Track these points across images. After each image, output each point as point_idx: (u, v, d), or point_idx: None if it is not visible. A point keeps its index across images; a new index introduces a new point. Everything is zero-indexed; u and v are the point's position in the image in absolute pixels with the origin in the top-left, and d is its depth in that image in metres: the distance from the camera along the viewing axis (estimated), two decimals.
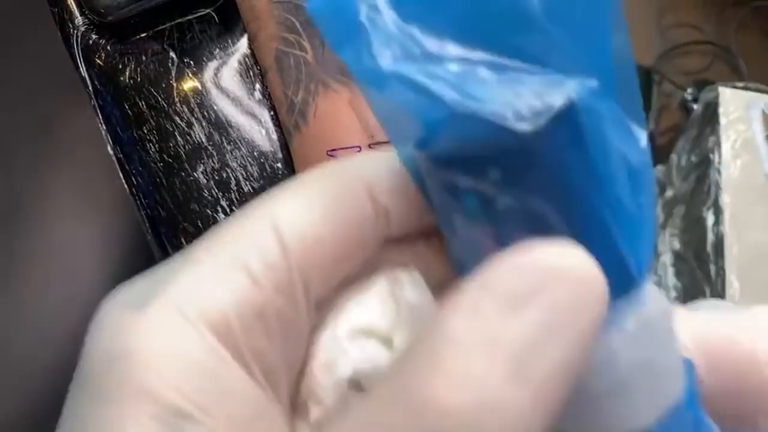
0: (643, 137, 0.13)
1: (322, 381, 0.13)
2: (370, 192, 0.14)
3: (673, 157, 0.84)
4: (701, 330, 0.17)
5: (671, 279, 0.77)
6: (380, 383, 0.11)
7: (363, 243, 0.14)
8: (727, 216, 0.68)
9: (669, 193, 0.83)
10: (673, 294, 0.76)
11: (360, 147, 0.41)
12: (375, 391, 0.11)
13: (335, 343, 0.13)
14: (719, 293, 0.65)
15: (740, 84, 0.78)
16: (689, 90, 1.43)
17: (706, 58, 1.52)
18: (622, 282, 0.12)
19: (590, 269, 0.11)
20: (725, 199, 0.69)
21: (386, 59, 0.12)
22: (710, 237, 0.69)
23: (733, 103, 0.74)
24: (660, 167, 0.87)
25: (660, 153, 0.95)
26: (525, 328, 0.10)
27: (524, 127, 0.11)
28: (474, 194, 0.12)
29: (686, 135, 0.82)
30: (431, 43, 0.12)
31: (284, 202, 0.13)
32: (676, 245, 0.78)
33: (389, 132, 0.13)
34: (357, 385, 0.13)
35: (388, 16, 0.12)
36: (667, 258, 0.79)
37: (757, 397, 0.17)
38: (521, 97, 0.11)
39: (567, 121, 0.11)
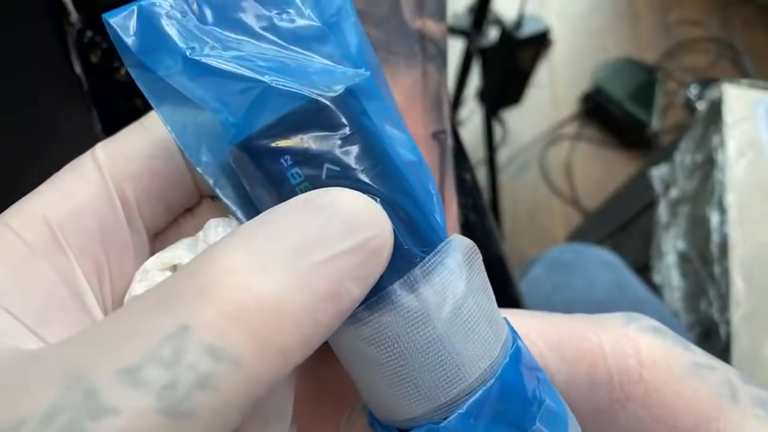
0: (411, 139, 0.16)
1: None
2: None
3: (677, 156, 0.83)
4: (550, 327, 0.18)
5: (675, 279, 0.77)
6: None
7: (181, 174, 0.16)
8: (732, 216, 0.67)
9: (673, 192, 0.82)
10: (677, 294, 0.75)
11: None
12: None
13: (142, 272, 0.15)
14: (724, 294, 0.64)
15: (745, 81, 0.77)
16: (693, 88, 1.43)
17: (710, 56, 1.51)
18: (433, 231, 0.14)
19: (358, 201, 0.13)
20: (730, 199, 0.68)
21: (193, 51, 0.14)
22: (715, 237, 0.68)
23: (738, 101, 0.74)
24: (664, 166, 0.86)
25: (664, 152, 0.95)
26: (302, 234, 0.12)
27: (329, 95, 0.13)
28: (297, 170, 0.13)
29: (690, 134, 0.82)
30: (231, 40, 0.15)
31: (109, 138, 0.15)
32: (681, 246, 0.77)
33: (192, 151, 0.14)
34: None
35: (188, 22, 0.14)
36: (671, 259, 0.79)
37: (607, 387, 0.17)
38: (320, 80, 0.14)
39: (355, 95, 0.14)
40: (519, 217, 1.28)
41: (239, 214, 0.15)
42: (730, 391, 0.16)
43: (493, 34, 1.01)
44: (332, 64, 0.15)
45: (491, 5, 0.95)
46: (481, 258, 0.15)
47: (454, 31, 0.99)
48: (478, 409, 0.14)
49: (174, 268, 0.15)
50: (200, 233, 0.16)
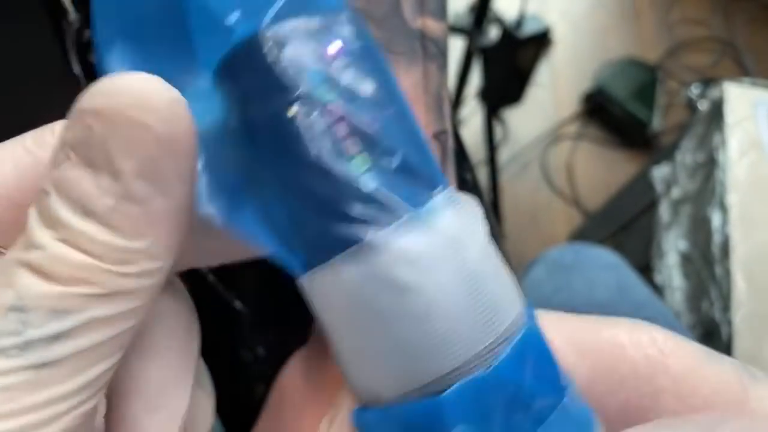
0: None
1: None
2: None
3: (679, 155, 0.83)
4: (564, 325, 0.17)
5: (677, 280, 0.76)
6: None
7: None
8: (733, 216, 0.67)
9: (675, 192, 0.82)
10: (678, 295, 0.75)
11: None
12: None
13: None
14: (725, 294, 0.64)
15: (747, 81, 0.77)
16: (695, 87, 1.43)
17: (712, 55, 1.51)
18: (434, 173, 0.13)
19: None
20: (732, 199, 0.68)
21: None
22: (716, 237, 0.68)
23: (740, 100, 0.73)
24: (665, 166, 0.86)
25: (665, 152, 0.94)
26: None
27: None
28: (317, 71, 0.12)
29: (692, 133, 0.81)
30: None
31: None
32: (682, 246, 0.77)
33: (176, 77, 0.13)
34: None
35: None
36: (672, 259, 0.78)
37: (633, 382, 0.16)
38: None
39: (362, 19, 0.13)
40: (520, 217, 1.28)
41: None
42: (747, 370, 0.16)
43: (493, 33, 1.01)
44: None
45: (492, 4, 0.95)
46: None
47: (454, 30, 0.99)
48: (522, 354, 0.12)
49: None
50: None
